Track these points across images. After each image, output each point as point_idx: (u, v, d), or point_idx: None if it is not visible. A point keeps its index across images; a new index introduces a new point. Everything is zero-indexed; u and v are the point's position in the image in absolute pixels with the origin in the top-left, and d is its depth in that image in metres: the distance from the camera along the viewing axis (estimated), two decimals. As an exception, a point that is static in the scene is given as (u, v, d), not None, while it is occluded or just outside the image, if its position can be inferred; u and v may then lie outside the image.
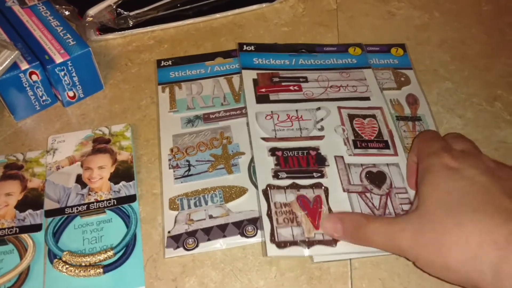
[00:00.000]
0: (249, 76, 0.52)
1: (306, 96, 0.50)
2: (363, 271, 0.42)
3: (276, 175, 0.44)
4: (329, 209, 0.42)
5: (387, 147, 0.47)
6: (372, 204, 0.43)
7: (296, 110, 0.49)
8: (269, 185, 0.44)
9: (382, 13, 0.64)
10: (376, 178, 0.45)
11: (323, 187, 0.44)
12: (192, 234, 0.43)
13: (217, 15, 0.63)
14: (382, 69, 0.56)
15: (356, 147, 0.47)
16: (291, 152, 0.46)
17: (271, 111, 0.49)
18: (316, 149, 0.46)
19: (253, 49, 0.55)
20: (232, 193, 0.45)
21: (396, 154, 0.47)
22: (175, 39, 0.61)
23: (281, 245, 0.40)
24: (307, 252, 0.40)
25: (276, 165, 0.45)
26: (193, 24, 0.63)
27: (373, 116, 0.49)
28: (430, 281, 0.41)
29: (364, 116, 0.49)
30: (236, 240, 0.43)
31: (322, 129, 0.48)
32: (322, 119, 0.48)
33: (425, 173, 0.39)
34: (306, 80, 0.52)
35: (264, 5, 0.65)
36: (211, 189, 0.45)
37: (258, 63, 0.53)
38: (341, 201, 0.43)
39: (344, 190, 0.44)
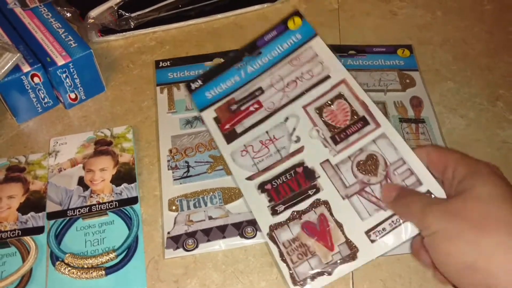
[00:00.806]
0: (209, 117, 0.48)
1: (269, 110, 0.47)
2: (364, 272, 0.42)
3: (274, 212, 0.42)
4: (337, 223, 0.41)
5: (366, 123, 0.44)
6: (375, 197, 0.41)
7: (267, 132, 0.46)
8: (271, 227, 0.42)
9: (384, 12, 0.64)
10: (368, 164, 0.42)
11: (322, 203, 0.42)
12: (191, 235, 0.43)
13: (219, 16, 0.63)
14: (387, 70, 0.55)
15: (336, 143, 0.44)
16: (279, 179, 0.44)
17: (244, 145, 0.46)
18: (301, 164, 0.44)
19: (201, 83, 0.49)
20: (232, 194, 0.45)
21: (378, 125, 0.43)
22: (176, 40, 0.61)
23: (304, 283, 0.39)
24: (332, 278, 0.39)
25: (270, 201, 0.43)
26: (194, 25, 0.63)
27: (340, 96, 0.45)
28: (431, 282, 0.41)
29: (331, 102, 0.45)
30: (235, 241, 0.43)
31: (298, 140, 0.45)
32: (294, 129, 0.45)
33: (478, 172, 0.35)
34: (262, 91, 0.48)
35: (265, 5, 0.64)
36: (211, 190, 0.46)
37: (211, 96, 0.49)
38: (344, 209, 0.41)
39: (343, 198, 0.42)
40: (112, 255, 0.42)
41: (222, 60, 0.56)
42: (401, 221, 0.39)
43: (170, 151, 0.48)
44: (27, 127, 0.53)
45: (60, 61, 0.49)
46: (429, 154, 0.39)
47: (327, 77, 0.47)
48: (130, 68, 0.58)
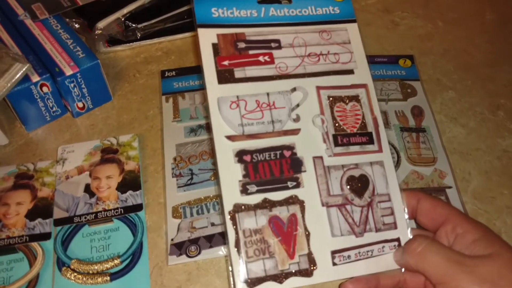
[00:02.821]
0: (207, 38, 0.40)
1: (279, 71, 0.40)
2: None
3: (244, 190, 0.37)
4: (306, 229, 0.37)
5: (371, 141, 0.40)
6: (352, 219, 0.38)
7: (267, 94, 0.40)
8: (236, 206, 0.37)
9: (385, 23, 0.65)
10: (358, 184, 0.39)
11: (298, 202, 0.38)
12: (194, 241, 0.44)
13: (223, 27, 0.64)
14: (389, 80, 0.56)
15: (336, 144, 0.40)
16: (261, 155, 0.38)
17: (237, 96, 0.39)
18: (291, 147, 0.39)
19: None
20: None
21: (380, 150, 0.40)
22: (182, 50, 0.62)
23: (252, 283, 0.35)
24: (280, 287, 0.36)
25: (244, 176, 0.37)
26: (199, 36, 0.64)
27: (356, 99, 0.41)
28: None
29: (347, 99, 0.41)
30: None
31: (297, 119, 0.40)
32: (298, 105, 0.40)
33: (492, 236, 0.36)
34: (279, 45, 0.41)
35: (269, 16, 0.65)
36: (213, 197, 0.47)
37: (218, 15, 0.41)
38: (319, 217, 0.38)
39: (323, 204, 0.38)
40: (117, 261, 0.43)
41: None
42: (368, 254, 0.38)
43: (175, 159, 0.49)
44: (36, 135, 0.54)
45: (68, 71, 0.51)
46: (421, 202, 0.39)
47: (351, 71, 0.42)
48: (137, 77, 0.59)
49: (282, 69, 0.41)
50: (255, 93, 0.40)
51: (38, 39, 0.54)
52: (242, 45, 0.41)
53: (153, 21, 0.61)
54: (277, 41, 0.42)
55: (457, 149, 0.51)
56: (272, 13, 0.42)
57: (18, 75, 0.48)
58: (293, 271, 0.36)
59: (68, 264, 0.43)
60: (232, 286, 0.35)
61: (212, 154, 0.43)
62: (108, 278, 0.42)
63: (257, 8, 0.42)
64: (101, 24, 0.58)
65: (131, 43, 0.62)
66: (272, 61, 0.41)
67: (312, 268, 0.36)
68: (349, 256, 0.37)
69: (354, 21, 0.44)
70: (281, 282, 0.36)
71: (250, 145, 0.38)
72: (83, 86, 0.52)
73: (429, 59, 0.60)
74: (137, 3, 0.60)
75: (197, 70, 0.57)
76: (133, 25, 0.60)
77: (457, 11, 0.66)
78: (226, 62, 0.40)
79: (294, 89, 0.41)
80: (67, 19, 0.58)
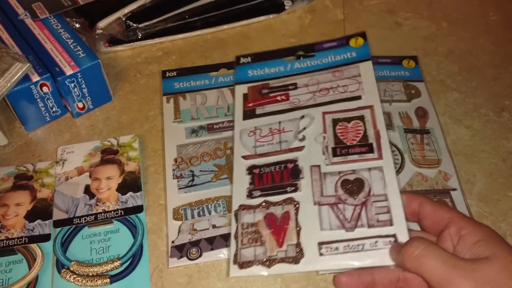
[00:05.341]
0: (240, 91, 0.50)
1: (292, 105, 0.48)
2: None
3: (250, 194, 0.43)
4: (297, 225, 0.40)
5: (371, 150, 0.43)
6: (344, 216, 0.40)
7: (279, 122, 0.47)
8: (241, 206, 0.42)
9: (389, 23, 0.65)
10: (353, 186, 0.41)
11: (293, 202, 0.41)
12: (195, 243, 0.43)
13: (225, 26, 0.64)
14: (392, 81, 0.56)
15: (335, 155, 0.43)
16: (268, 168, 0.44)
17: (255, 127, 0.47)
18: (294, 161, 0.44)
19: (249, 60, 0.52)
20: (236, 203, 0.46)
21: (380, 157, 0.42)
22: (183, 51, 0.62)
23: (243, 265, 0.39)
24: (267, 271, 0.39)
25: (250, 183, 0.43)
26: (201, 36, 0.63)
27: (360, 118, 0.45)
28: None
29: (350, 119, 0.46)
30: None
31: (303, 139, 0.45)
32: (304, 128, 0.46)
33: (494, 238, 0.35)
34: (295, 87, 0.49)
35: (271, 16, 0.65)
36: (215, 199, 0.46)
37: (253, 75, 0.51)
38: (310, 214, 0.40)
39: (315, 203, 0.41)
40: (117, 263, 0.42)
41: (227, 70, 0.57)
42: (358, 247, 0.38)
43: (176, 160, 0.49)
44: (35, 135, 0.53)
45: (69, 71, 0.50)
46: (422, 206, 0.39)
47: (358, 97, 0.47)
48: (137, 78, 0.59)
49: (295, 103, 0.48)
50: (270, 122, 0.47)
51: (39, 39, 0.54)
52: (265, 90, 0.50)
53: (154, 20, 0.61)
54: (294, 84, 0.49)
55: (461, 151, 0.50)
56: (296, 66, 0.51)
57: (18, 75, 0.48)
58: (281, 257, 0.39)
59: (68, 266, 0.42)
60: (228, 268, 0.39)
61: (214, 156, 0.50)
62: (108, 280, 0.41)
63: (284, 65, 0.51)
64: (102, 23, 0.58)
65: (132, 43, 0.61)
66: (287, 99, 0.49)
67: (298, 256, 0.39)
68: (336, 248, 0.38)
69: (368, 59, 0.49)
70: (269, 267, 0.39)
71: (260, 161, 0.45)
72: (83, 86, 0.52)
73: (433, 60, 0.59)
74: (138, 2, 0.59)
75: (199, 70, 0.58)
76: (134, 24, 0.60)
77: (461, 12, 0.66)
78: (251, 104, 0.49)
79: (302, 117, 0.47)
80: (67, 19, 0.58)
